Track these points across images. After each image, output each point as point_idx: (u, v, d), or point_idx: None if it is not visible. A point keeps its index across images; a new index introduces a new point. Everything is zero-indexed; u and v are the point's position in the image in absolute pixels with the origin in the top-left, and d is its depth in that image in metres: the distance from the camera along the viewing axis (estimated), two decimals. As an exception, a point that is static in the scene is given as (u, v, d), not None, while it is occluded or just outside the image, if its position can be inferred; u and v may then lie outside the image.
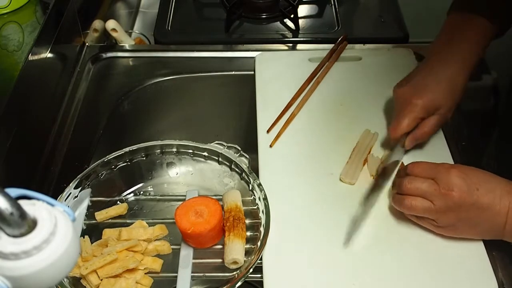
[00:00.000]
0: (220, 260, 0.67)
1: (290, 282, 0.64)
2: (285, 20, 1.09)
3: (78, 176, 0.71)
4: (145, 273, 0.66)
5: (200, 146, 0.77)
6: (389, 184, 0.73)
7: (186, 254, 0.68)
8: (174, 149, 0.78)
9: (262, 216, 0.68)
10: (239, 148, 0.76)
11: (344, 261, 0.66)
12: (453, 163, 0.76)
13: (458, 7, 0.78)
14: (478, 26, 0.74)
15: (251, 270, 0.63)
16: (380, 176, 0.73)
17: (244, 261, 0.67)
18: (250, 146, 0.80)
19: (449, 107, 0.73)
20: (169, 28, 1.08)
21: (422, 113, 0.72)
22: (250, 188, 0.72)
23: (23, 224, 0.36)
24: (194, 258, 0.67)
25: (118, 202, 0.75)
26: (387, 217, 0.70)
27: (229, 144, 0.76)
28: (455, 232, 0.65)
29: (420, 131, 0.73)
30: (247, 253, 0.67)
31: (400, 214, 0.70)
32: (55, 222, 0.38)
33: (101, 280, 0.64)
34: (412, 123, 0.73)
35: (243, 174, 0.74)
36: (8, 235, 0.36)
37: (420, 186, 0.63)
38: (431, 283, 0.64)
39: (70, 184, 0.71)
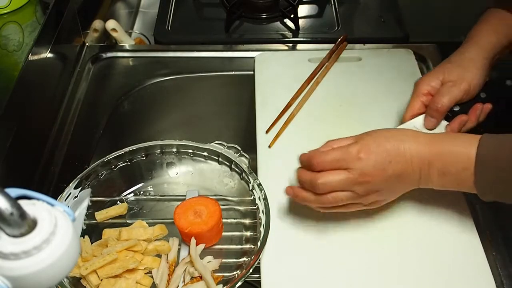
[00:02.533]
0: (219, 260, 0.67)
1: (289, 282, 0.64)
2: (285, 20, 1.09)
3: (78, 176, 0.71)
4: (145, 273, 0.66)
5: (200, 146, 0.77)
6: None
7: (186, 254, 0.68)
8: (174, 149, 0.78)
9: (262, 216, 0.68)
10: (239, 148, 0.76)
11: (343, 261, 0.66)
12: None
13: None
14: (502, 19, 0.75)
15: (251, 270, 0.63)
16: None
17: (245, 261, 0.67)
18: (250, 146, 0.80)
19: (458, 76, 0.70)
20: (169, 28, 1.08)
21: (425, 89, 0.72)
22: (250, 188, 0.72)
23: (23, 224, 0.36)
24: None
25: (118, 202, 0.75)
26: (386, 218, 0.70)
27: (229, 144, 0.76)
28: (380, 203, 0.65)
29: (431, 105, 0.70)
30: (247, 253, 0.68)
31: (399, 215, 0.70)
32: (55, 222, 0.38)
33: (101, 280, 0.64)
34: (419, 102, 0.72)
35: (243, 174, 0.74)
36: (8, 235, 0.36)
37: (335, 182, 0.60)
38: (430, 284, 0.64)
39: (70, 184, 0.71)
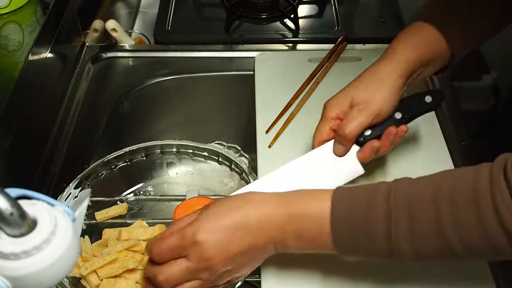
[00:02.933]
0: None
1: (289, 282, 0.64)
2: (285, 20, 1.09)
3: (78, 176, 0.71)
4: (145, 273, 0.66)
5: (200, 146, 0.77)
6: None
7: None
8: (174, 149, 0.78)
9: (262, 216, 0.68)
10: (239, 148, 0.76)
11: (343, 262, 0.66)
12: (452, 162, 0.76)
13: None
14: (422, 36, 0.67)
15: (251, 270, 0.63)
16: None
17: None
18: (250, 146, 0.80)
19: (366, 98, 0.64)
20: (169, 28, 1.08)
21: (334, 113, 0.66)
22: (250, 188, 0.72)
23: (23, 224, 0.36)
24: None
25: (118, 202, 0.75)
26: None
27: (229, 144, 0.76)
28: (237, 278, 0.59)
29: (339, 132, 0.65)
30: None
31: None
32: (55, 222, 0.38)
33: (101, 280, 0.64)
34: (326, 128, 0.67)
35: (243, 174, 0.74)
36: (8, 235, 0.36)
37: (176, 275, 0.54)
38: (429, 284, 0.64)
39: (70, 184, 0.71)
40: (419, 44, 0.66)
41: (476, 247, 0.49)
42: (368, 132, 0.65)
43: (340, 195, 0.54)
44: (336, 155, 0.67)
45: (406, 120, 0.66)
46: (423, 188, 0.51)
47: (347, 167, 0.67)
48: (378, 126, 0.65)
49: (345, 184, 0.67)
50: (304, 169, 0.68)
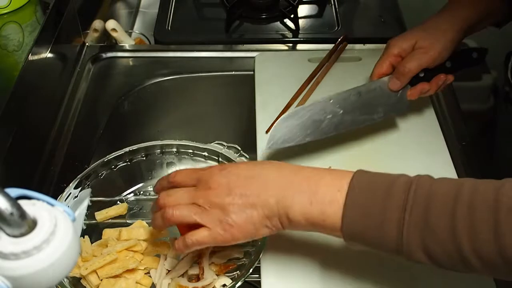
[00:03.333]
0: (220, 260, 0.67)
1: (289, 282, 0.64)
2: (285, 20, 1.09)
3: (78, 176, 0.71)
4: (145, 273, 0.66)
5: (200, 146, 0.77)
6: None
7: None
8: (174, 149, 0.78)
9: (262, 216, 0.68)
10: (239, 148, 0.76)
11: (343, 261, 0.66)
12: (452, 162, 0.76)
13: None
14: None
15: (251, 270, 0.63)
16: None
17: (245, 261, 0.67)
18: (250, 146, 0.80)
19: (428, 43, 0.72)
20: (169, 28, 1.08)
21: (396, 50, 0.74)
22: (250, 188, 0.72)
23: (23, 224, 0.36)
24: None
25: (118, 202, 0.75)
26: (387, 217, 0.70)
27: (229, 144, 0.76)
28: (231, 220, 0.56)
29: (399, 68, 0.73)
30: (248, 253, 0.67)
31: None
32: (55, 222, 0.38)
33: (101, 280, 0.64)
34: (386, 61, 0.74)
35: (243, 174, 0.73)
36: (8, 235, 0.36)
37: (177, 194, 0.58)
38: (430, 285, 0.64)
39: (70, 184, 0.71)
40: (477, 1, 0.74)
41: (490, 260, 0.46)
42: (421, 74, 0.74)
43: (359, 178, 0.53)
44: (391, 89, 0.74)
45: (454, 69, 0.75)
46: (445, 187, 0.50)
47: (395, 102, 0.75)
48: (430, 71, 0.74)
49: (386, 116, 0.76)
50: (355, 99, 0.74)
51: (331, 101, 0.73)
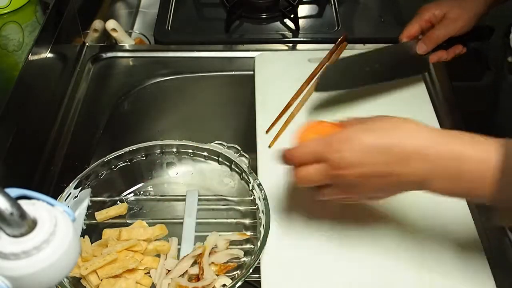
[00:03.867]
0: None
1: (289, 282, 0.64)
2: (285, 20, 1.09)
3: (78, 176, 0.71)
4: (145, 273, 0.66)
5: (200, 146, 0.77)
6: None
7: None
8: (174, 149, 0.78)
9: (262, 216, 0.68)
10: (239, 148, 0.76)
11: (343, 261, 0.66)
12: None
13: None
14: None
15: (251, 270, 0.63)
16: None
17: (245, 261, 0.67)
18: (250, 146, 0.80)
19: (457, 13, 0.79)
20: (169, 28, 1.08)
21: (428, 17, 0.80)
22: (250, 188, 0.72)
23: (23, 224, 0.36)
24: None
25: (118, 202, 0.75)
26: (385, 219, 0.70)
27: (229, 144, 0.76)
28: (366, 199, 0.60)
29: (429, 34, 0.80)
30: (248, 253, 0.68)
31: (399, 216, 0.70)
32: (55, 222, 0.38)
33: (101, 280, 0.64)
34: (416, 25, 0.81)
35: (243, 174, 0.74)
36: (8, 235, 0.36)
37: (311, 173, 0.56)
38: (430, 285, 0.64)
39: (70, 184, 0.71)
40: None
41: None
42: (444, 43, 0.81)
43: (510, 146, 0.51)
44: (419, 51, 0.82)
45: (466, 41, 0.82)
46: None
47: (418, 64, 0.85)
48: (448, 40, 0.81)
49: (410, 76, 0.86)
50: (388, 57, 0.83)
51: (370, 55, 0.81)
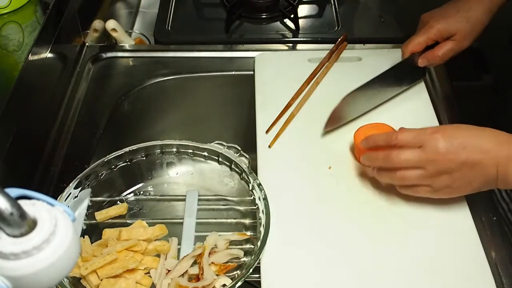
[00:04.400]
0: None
1: (289, 282, 0.64)
2: (285, 20, 1.09)
3: (78, 176, 0.71)
4: (145, 273, 0.66)
5: (200, 146, 0.77)
6: None
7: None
8: (174, 149, 0.78)
9: (262, 216, 0.68)
10: (239, 148, 0.76)
11: (343, 261, 0.66)
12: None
13: None
14: None
15: (251, 270, 0.63)
16: None
17: (245, 261, 0.67)
18: (250, 146, 0.80)
19: (464, 35, 0.78)
20: (169, 28, 1.08)
21: (435, 35, 0.80)
22: (250, 188, 0.72)
23: (23, 224, 0.36)
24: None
25: (118, 202, 0.75)
26: (386, 219, 0.70)
27: (229, 144, 0.76)
28: (452, 192, 0.66)
29: (433, 53, 0.81)
30: (248, 253, 0.68)
31: (400, 216, 0.70)
32: (55, 222, 0.38)
33: (101, 280, 0.64)
34: (423, 43, 0.81)
35: (243, 174, 0.74)
36: (8, 235, 0.36)
37: (408, 157, 0.64)
38: (430, 284, 0.64)
39: (70, 184, 0.71)
40: None
41: None
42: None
43: None
44: (419, 65, 0.83)
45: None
46: None
47: (415, 73, 0.87)
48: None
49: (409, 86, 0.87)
50: (391, 78, 0.83)
51: (375, 81, 0.81)
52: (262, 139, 0.80)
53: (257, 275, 0.65)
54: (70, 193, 0.70)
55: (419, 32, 0.82)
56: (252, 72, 0.93)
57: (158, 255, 0.69)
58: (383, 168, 0.68)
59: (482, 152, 0.62)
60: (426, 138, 0.63)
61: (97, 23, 1.03)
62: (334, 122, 0.80)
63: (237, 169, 0.75)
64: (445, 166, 0.62)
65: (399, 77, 0.85)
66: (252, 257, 0.65)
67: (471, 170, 0.62)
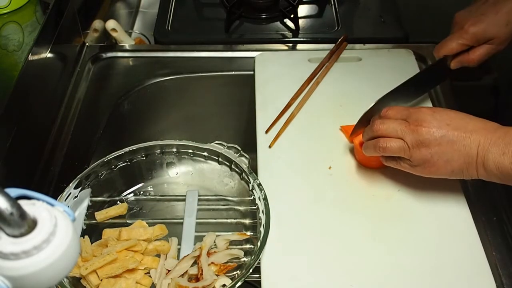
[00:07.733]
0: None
1: (289, 282, 0.64)
2: (285, 20, 1.09)
3: (78, 176, 0.71)
4: (145, 273, 0.66)
5: (200, 146, 0.77)
6: None
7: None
8: (174, 149, 0.78)
9: (262, 216, 0.68)
10: (239, 148, 0.76)
11: (343, 261, 0.66)
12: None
13: None
14: None
15: (251, 270, 0.63)
16: None
17: (245, 261, 0.67)
18: (250, 146, 0.80)
19: (502, 40, 0.77)
20: (169, 28, 1.08)
21: (471, 41, 0.78)
22: (250, 188, 0.72)
23: (23, 224, 0.36)
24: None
25: (118, 202, 0.75)
26: (386, 219, 0.70)
27: (229, 144, 0.76)
28: (431, 169, 0.64)
29: (467, 57, 0.80)
30: (248, 253, 0.68)
31: (400, 216, 0.70)
32: (55, 222, 0.38)
33: (101, 280, 0.64)
34: (457, 48, 0.79)
35: (243, 174, 0.74)
36: (8, 235, 0.36)
37: (391, 125, 0.66)
38: (430, 284, 0.64)
39: (70, 184, 0.71)
40: None
41: None
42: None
43: None
44: (452, 68, 0.82)
45: None
46: None
47: (441, 75, 0.85)
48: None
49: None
50: (424, 78, 0.83)
51: (408, 84, 0.80)
52: (262, 139, 0.80)
53: (257, 275, 0.65)
54: (70, 193, 0.70)
55: (453, 36, 0.79)
56: (252, 72, 0.93)
57: (158, 255, 0.69)
58: (369, 139, 0.69)
59: (465, 131, 0.62)
60: (412, 111, 0.65)
61: (97, 23, 1.03)
62: (364, 124, 0.78)
63: (237, 169, 0.75)
64: (424, 137, 0.62)
65: (428, 78, 0.83)
66: (252, 257, 0.65)
67: (451, 147, 0.62)
